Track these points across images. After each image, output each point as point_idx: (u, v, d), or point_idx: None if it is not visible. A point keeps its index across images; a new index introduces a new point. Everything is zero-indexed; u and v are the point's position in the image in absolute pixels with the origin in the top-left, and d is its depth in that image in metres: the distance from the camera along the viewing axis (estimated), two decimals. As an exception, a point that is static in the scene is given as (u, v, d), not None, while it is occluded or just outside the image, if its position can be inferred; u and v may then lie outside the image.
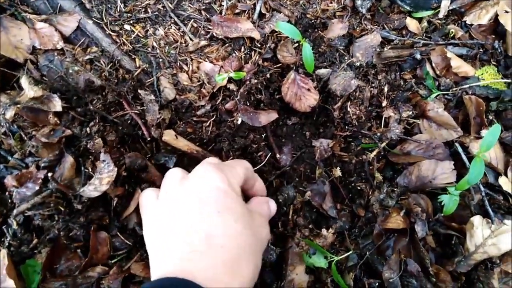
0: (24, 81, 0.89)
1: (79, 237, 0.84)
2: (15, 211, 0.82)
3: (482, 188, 0.95)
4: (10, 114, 0.87)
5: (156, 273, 0.60)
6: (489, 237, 0.90)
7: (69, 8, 1.00)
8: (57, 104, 0.87)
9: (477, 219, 0.91)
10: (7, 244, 0.82)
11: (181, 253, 0.58)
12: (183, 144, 0.95)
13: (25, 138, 0.89)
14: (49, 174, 0.82)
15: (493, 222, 0.91)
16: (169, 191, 0.68)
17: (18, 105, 0.87)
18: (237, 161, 0.81)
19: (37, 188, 0.83)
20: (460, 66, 1.05)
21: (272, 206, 0.81)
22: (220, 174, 0.66)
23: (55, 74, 0.95)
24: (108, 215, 0.88)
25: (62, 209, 0.84)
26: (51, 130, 0.87)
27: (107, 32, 1.01)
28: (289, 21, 1.05)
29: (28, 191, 0.83)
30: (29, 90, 0.86)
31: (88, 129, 0.90)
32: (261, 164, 0.97)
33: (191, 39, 1.04)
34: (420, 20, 1.11)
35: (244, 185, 0.75)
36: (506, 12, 1.08)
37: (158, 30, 1.03)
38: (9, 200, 0.85)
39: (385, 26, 1.10)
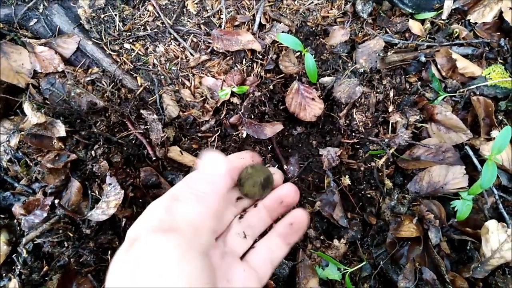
0: (27, 107, 0.89)
1: (89, 262, 0.84)
2: (24, 240, 0.82)
3: (495, 191, 0.93)
4: (14, 141, 0.87)
5: None
6: (506, 242, 0.88)
7: (68, 30, 1.00)
8: (60, 130, 0.87)
9: (492, 224, 0.90)
10: (17, 272, 0.82)
11: None
12: (188, 159, 0.94)
13: (31, 164, 0.89)
14: (56, 201, 0.81)
15: (509, 226, 0.90)
16: None
17: (22, 132, 0.87)
18: None
19: (45, 215, 0.83)
20: (466, 67, 1.03)
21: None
22: None
23: (58, 97, 0.94)
24: (117, 237, 0.87)
25: (71, 234, 0.84)
26: (56, 155, 0.87)
27: (107, 52, 1.01)
28: (289, 31, 1.04)
29: (36, 219, 0.83)
30: (32, 117, 0.86)
31: (93, 152, 0.89)
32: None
33: (191, 54, 1.03)
34: (423, 21, 1.09)
35: None
36: (511, 8, 1.05)
37: (158, 47, 1.02)
38: (18, 228, 0.85)
39: (388, 30, 1.08)
